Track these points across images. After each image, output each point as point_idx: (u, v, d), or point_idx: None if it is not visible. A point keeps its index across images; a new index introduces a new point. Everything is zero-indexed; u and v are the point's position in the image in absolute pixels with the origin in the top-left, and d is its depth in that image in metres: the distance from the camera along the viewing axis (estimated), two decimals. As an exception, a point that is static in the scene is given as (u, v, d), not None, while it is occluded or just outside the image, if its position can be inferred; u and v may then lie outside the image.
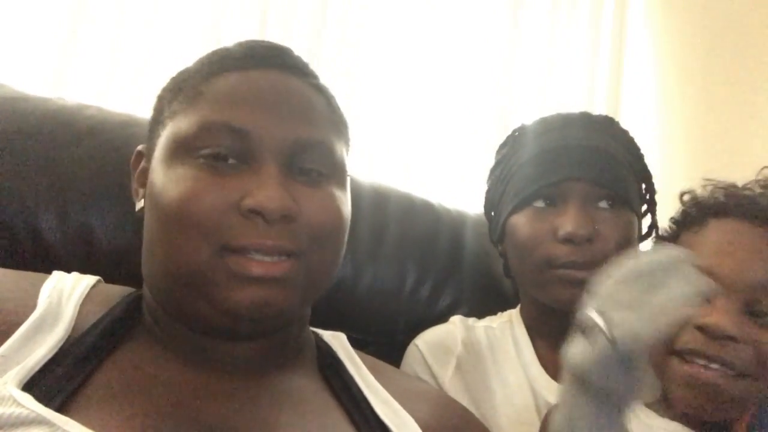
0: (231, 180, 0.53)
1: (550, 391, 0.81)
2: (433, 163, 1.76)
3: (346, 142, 0.64)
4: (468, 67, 1.85)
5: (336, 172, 0.59)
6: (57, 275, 0.59)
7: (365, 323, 0.96)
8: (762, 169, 0.75)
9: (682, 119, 1.84)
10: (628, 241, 0.81)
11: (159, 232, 0.54)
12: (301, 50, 0.64)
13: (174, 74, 0.63)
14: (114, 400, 0.47)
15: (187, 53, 0.62)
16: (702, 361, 0.64)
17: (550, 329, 0.85)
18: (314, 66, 0.63)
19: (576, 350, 0.53)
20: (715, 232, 0.71)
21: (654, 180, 0.90)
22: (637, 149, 0.88)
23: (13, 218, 0.78)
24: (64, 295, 0.56)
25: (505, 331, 0.90)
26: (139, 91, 1.40)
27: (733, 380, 0.63)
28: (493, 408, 0.83)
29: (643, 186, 0.89)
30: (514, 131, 0.91)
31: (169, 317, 0.56)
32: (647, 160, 0.90)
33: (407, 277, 1.00)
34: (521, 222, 0.83)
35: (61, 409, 0.44)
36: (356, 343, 0.68)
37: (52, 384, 0.46)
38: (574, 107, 0.92)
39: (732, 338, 0.63)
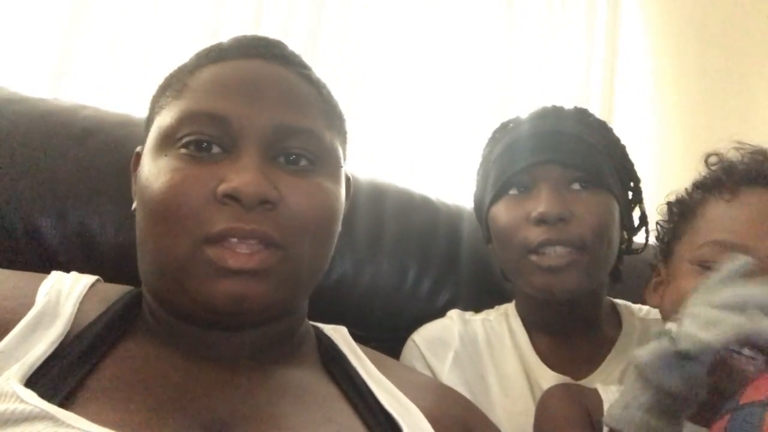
0: (211, 168, 0.52)
1: (547, 380, 0.82)
2: (432, 158, 1.77)
3: (340, 133, 0.63)
4: (465, 61, 1.86)
5: (325, 162, 0.58)
6: (56, 275, 0.59)
7: (366, 319, 0.96)
8: None
9: (677, 114, 1.85)
10: (605, 222, 0.81)
11: (146, 226, 0.54)
12: (296, 46, 0.64)
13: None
14: (116, 395, 0.48)
15: (184, 53, 0.62)
16: None
17: (544, 320, 0.87)
18: (310, 62, 0.63)
19: (644, 348, 0.56)
20: (749, 202, 0.67)
21: (645, 173, 0.89)
22: (615, 138, 0.88)
23: (12, 218, 0.78)
24: (63, 293, 0.56)
25: (501, 323, 0.91)
26: (137, 91, 1.41)
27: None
28: (490, 399, 0.83)
29: (627, 176, 0.88)
30: (494, 131, 0.92)
31: (165, 312, 0.56)
32: (642, 155, 0.90)
33: (408, 273, 1.00)
34: (499, 211, 0.84)
35: (63, 404, 0.44)
36: (358, 340, 0.68)
37: (53, 379, 0.46)
38: (570, 102, 0.92)
39: None
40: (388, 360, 0.69)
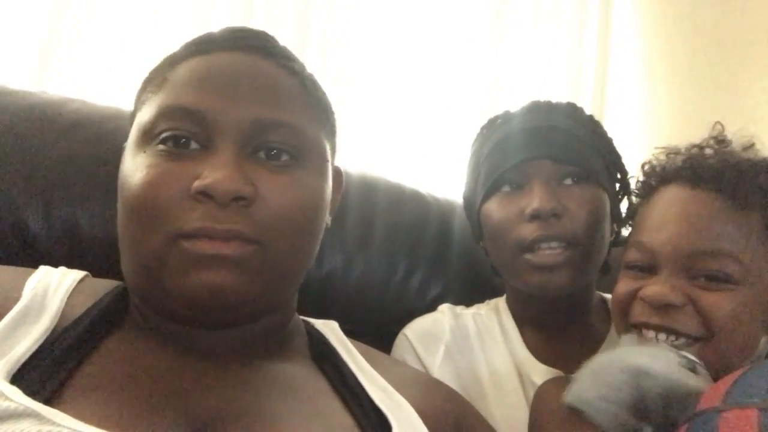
0: (188, 165, 0.51)
1: (538, 374, 0.82)
2: (423, 152, 1.76)
3: (327, 126, 0.62)
4: (456, 55, 1.85)
5: (308, 156, 0.56)
6: (43, 270, 0.58)
7: (356, 314, 0.96)
8: (715, 124, 0.73)
9: (668, 108, 1.85)
10: (597, 216, 0.81)
11: (123, 222, 0.54)
12: (286, 42, 0.62)
13: None
14: (102, 391, 0.47)
15: (173, 46, 0.61)
16: (651, 334, 0.64)
17: (534, 314, 0.87)
18: (299, 55, 0.62)
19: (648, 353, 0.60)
20: (659, 201, 0.69)
21: (636, 168, 0.90)
22: (603, 132, 0.89)
23: (-2, 213, 0.78)
24: (51, 288, 0.55)
25: (492, 318, 0.91)
26: (125, 84, 1.39)
27: (687, 348, 0.63)
28: (482, 393, 0.83)
29: (615, 169, 0.88)
30: (482, 127, 0.92)
31: (148, 309, 0.56)
32: (633, 149, 0.90)
33: (398, 268, 1.00)
34: (492, 209, 0.84)
35: (49, 401, 0.43)
36: (348, 334, 0.68)
37: (39, 376, 0.46)
38: (561, 97, 0.92)
39: (671, 305, 0.63)
40: (379, 354, 0.69)
